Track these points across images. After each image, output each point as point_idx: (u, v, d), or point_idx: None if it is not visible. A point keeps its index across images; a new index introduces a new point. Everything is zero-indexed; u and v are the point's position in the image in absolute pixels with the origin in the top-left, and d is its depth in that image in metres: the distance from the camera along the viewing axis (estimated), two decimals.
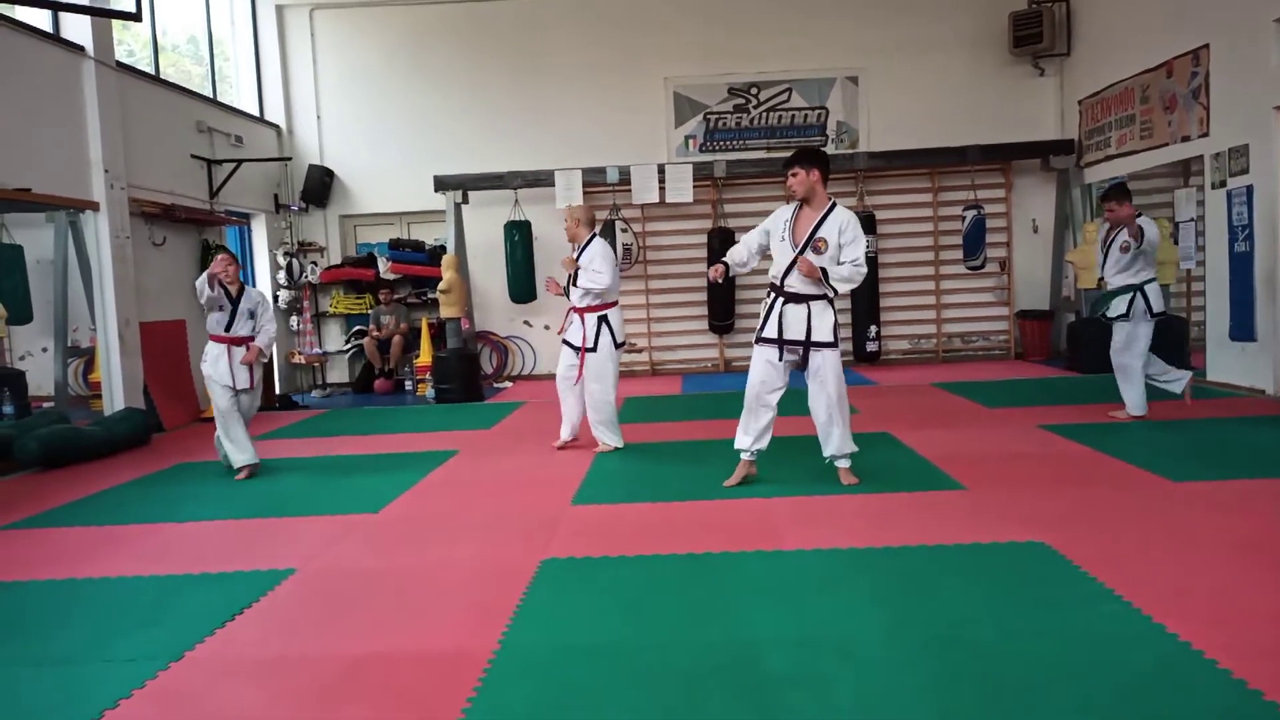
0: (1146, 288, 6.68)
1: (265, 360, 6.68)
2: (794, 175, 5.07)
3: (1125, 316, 6.71)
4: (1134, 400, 6.83)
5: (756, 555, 4.05)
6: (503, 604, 3.56)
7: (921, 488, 5.11)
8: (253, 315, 6.38)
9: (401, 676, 2.98)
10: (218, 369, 6.26)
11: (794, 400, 5.35)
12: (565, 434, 6.81)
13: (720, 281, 5.43)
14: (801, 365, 5.20)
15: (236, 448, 6.27)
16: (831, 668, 2.89)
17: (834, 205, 5.12)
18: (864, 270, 5.10)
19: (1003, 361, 11.48)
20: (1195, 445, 5.98)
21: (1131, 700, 2.61)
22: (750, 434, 5.29)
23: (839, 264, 5.02)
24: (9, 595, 4.03)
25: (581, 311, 6.46)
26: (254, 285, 11.67)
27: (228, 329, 6.29)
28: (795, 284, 5.08)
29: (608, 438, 6.60)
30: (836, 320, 5.13)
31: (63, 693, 2.97)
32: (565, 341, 6.64)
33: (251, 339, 6.35)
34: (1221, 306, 8.30)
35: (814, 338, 5.08)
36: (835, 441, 5.20)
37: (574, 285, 6.42)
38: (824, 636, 3.14)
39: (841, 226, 5.04)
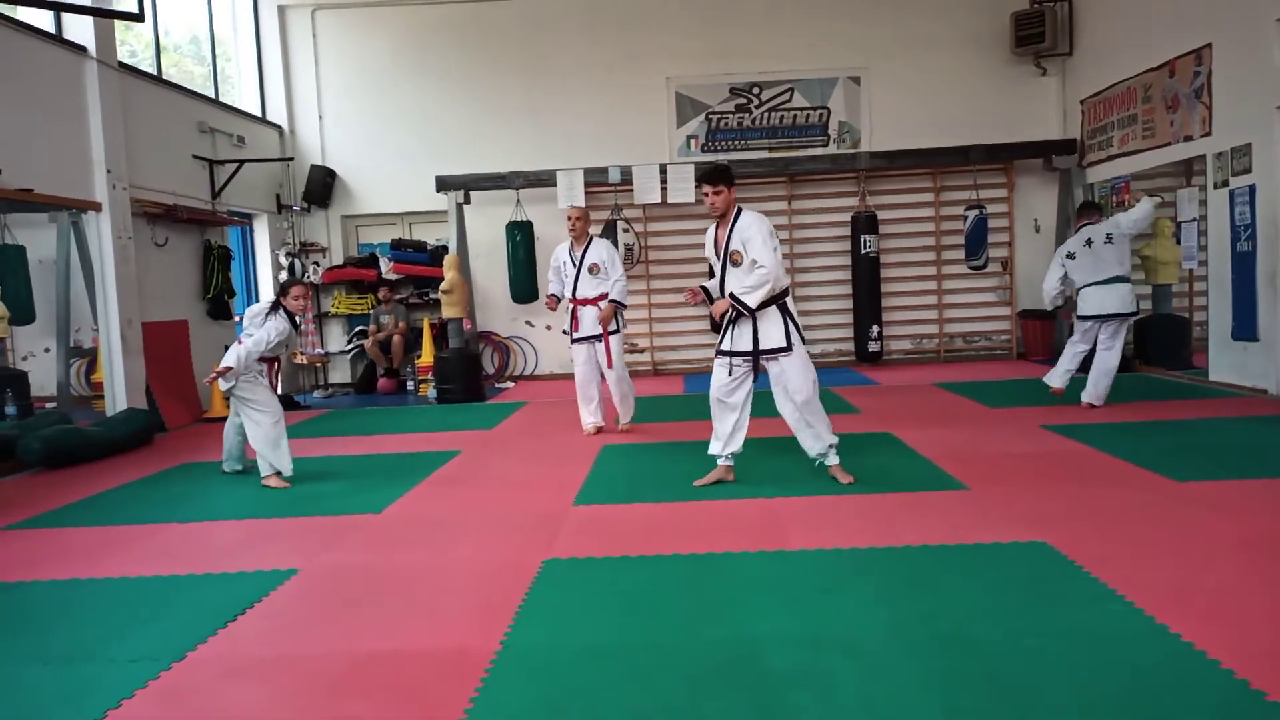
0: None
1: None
2: (717, 194, 5.06)
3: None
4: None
5: (759, 555, 4.05)
6: (505, 604, 3.57)
7: (924, 488, 5.12)
8: None
9: (404, 676, 2.98)
10: (265, 380, 6.13)
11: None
12: (598, 419, 7.41)
13: (697, 304, 5.38)
14: (758, 372, 5.25)
15: (286, 453, 6.07)
16: (835, 667, 2.89)
17: (739, 212, 5.12)
18: (766, 270, 4.92)
19: (1005, 361, 11.48)
20: (1197, 445, 5.97)
21: (1133, 700, 2.61)
22: (719, 438, 5.33)
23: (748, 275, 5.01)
24: (12, 595, 4.04)
25: (595, 301, 7.13)
26: (256, 287, 11.71)
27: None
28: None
29: (627, 415, 7.40)
30: (789, 323, 5.07)
31: (66, 692, 2.98)
32: (578, 339, 7.22)
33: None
34: (1224, 306, 8.29)
35: (762, 346, 5.07)
36: (810, 442, 5.27)
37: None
38: (827, 636, 3.14)
39: (743, 232, 5.03)
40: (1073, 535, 4.08)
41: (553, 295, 7.43)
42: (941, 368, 11.12)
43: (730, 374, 5.17)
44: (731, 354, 5.16)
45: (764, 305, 5.03)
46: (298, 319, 6.25)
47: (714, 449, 5.37)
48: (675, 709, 2.68)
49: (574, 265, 7.19)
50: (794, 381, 5.13)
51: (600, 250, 7.19)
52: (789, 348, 5.06)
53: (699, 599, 3.56)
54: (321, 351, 11.94)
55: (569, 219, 7.24)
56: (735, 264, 5.05)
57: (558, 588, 3.77)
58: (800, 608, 3.42)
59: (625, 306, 7.33)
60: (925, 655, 2.95)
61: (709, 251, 5.28)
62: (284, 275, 11.56)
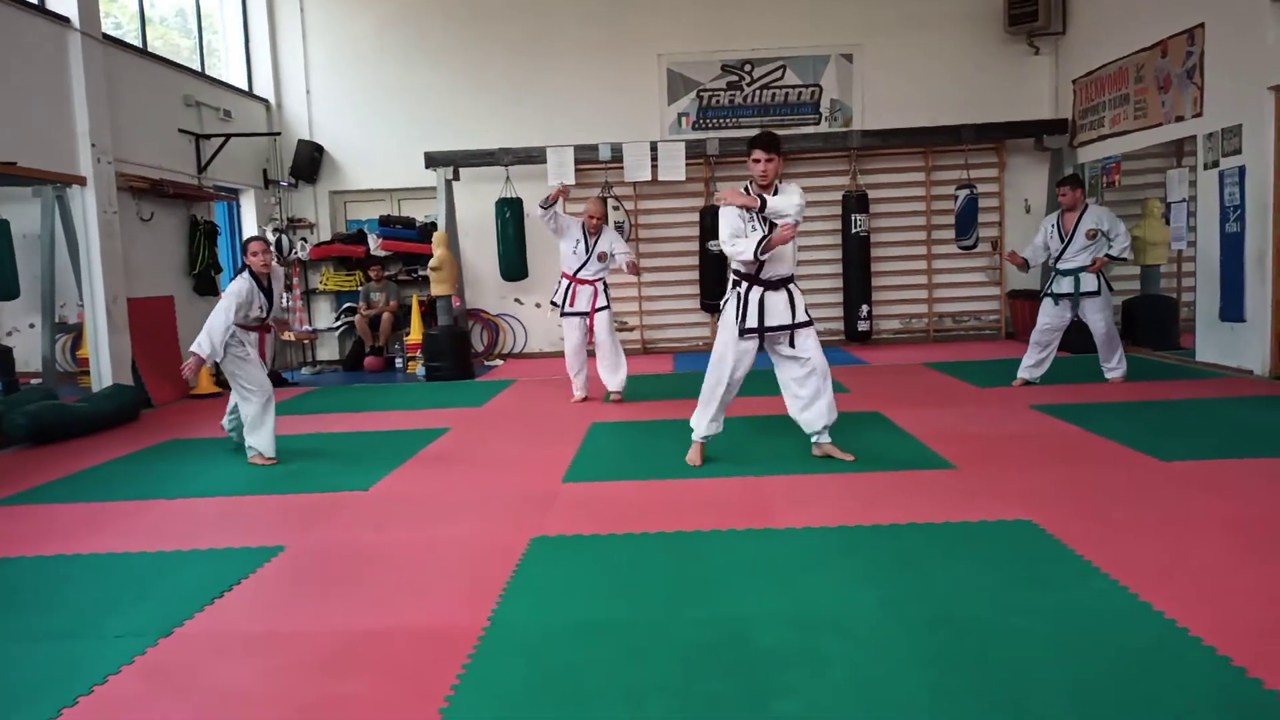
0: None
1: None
2: (769, 161, 5.02)
3: (1097, 292, 7.47)
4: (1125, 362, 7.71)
5: (748, 533, 4.06)
6: (493, 581, 3.57)
7: (912, 467, 5.13)
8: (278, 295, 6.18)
9: (391, 652, 2.98)
10: (253, 356, 5.92)
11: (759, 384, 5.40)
12: (585, 392, 7.96)
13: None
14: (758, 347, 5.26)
15: (268, 436, 5.93)
16: (823, 644, 2.90)
17: (779, 186, 5.14)
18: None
19: (994, 341, 11.50)
20: (1184, 425, 6.00)
21: (1119, 678, 2.63)
22: (716, 420, 5.36)
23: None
24: None
25: (592, 282, 7.76)
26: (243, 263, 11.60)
27: (269, 314, 6.10)
28: (775, 269, 5.14)
29: (619, 382, 7.81)
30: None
31: (53, 668, 2.97)
32: (570, 313, 7.76)
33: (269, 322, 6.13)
34: (1212, 287, 8.32)
35: (799, 319, 5.15)
36: (825, 412, 5.25)
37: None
38: (815, 614, 3.15)
39: (787, 193, 5.05)
40: (1060, 514, 4.11)
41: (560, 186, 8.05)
42: (931, 347, 11.14)
43: (761, 346, 5.20)
44: (764, 330, 5.13)
45: (792, 280, 5.19)
46: (270, 282, 6.02)
47: (709, 430, 5.38)
48: (665, 687, 2.68)
49: (586, 251, 7.74)
50: (818, 353, 5.20)
51: (609, 240, 7.85)
52: (811, 320, 5.24)
53: (687, 577, 3.57)
54: (309, 328, 11.88)
55: (590, 216, 7.74)
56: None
57: (546, 565, 3.77)
58: (788, 586, 3.43)
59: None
60: (914, 633, 2.97)
61: (746, 220, 5.16)
62: (271, 251, 11.48)
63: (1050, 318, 7.60)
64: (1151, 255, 10.19)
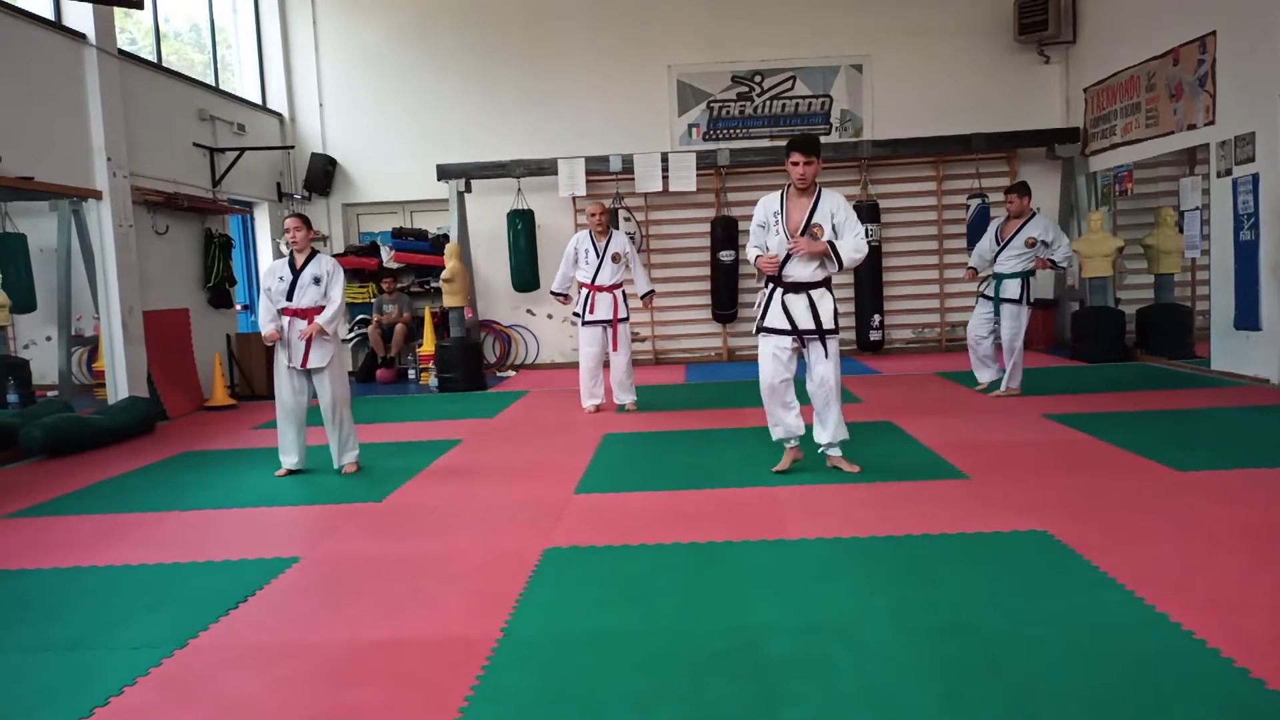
0: (1030, 277, 7.58)
1: (329, 338, 5.84)
2: (807, 164, 4.98)
3: (1018, 301, 7.52)
4: (1019, 376, 7.72)
5: (760, 544, 4.06)
6: (506, 592, 3.57)
7: (925, 477, 5.12)
8: (318, 282, 5.80)
9: (405, 663, 2.99)
10: (284, 358, 5.79)
11: (800, 389, 5.36)
12: (600, 399, 7.98)
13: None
14: (800, 352, 5.21)
15: (280, 447, 5.95)
16: (835, 654, 2.89)
17: (821, 191, 5.11)
18: (865, 245, 5.15)
19: None
20: (1199, 434, 5.97)
21: (1133, 688, 2.61)
22: (780, 424, 5.29)
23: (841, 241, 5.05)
24: (15, 582, 4.05)
25: (611, 289, 7.69)
26: (257, 275, 11.68)
27: (289, 297, 5.79)
28: (794, 272, 5.08)
29: (631, 396, 7.89)
30: (836, 306, 5.16)
31: (68, 678, 2.99)
32: (591, 321, 7.69)
33: (319, 310, 5.77)
34: (1226, 295, 8.27)
35: (824, 325, 5.09)
36: (831, 428, 5.21)
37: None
38: (828, 624, 3.14)
39: (834, 209, 5.06)
40: (1073, 524, 4.09)
41: (563, 295, 7.99)
42: (943, 357, 11.10)
43: (788, 346, 5.13)
44: (793, 331, 5.09)
45: (817, 285, 5.10)
46: (304, 264, 5.85)
47: (776, 435, 5.35)
48: (676, 697, 2.68)
49: (597, 255, 7.71)
50: (831, 365, 5.11)
51: (622, 241, 7.85)
52: (836, 330, 5.16)
53: (699, 587, 3.56)
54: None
55: (591, 215, 7.77)
56: (815, 237, 5.05)
57: (558, 576, 3.78)
58: (800, 596, 3.42)
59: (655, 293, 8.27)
60: (926, 643, 2.96)
61: (768, 222, 5.13)
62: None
63: (975, 320, 7.83)
64: (1165, 264, 10.15)
